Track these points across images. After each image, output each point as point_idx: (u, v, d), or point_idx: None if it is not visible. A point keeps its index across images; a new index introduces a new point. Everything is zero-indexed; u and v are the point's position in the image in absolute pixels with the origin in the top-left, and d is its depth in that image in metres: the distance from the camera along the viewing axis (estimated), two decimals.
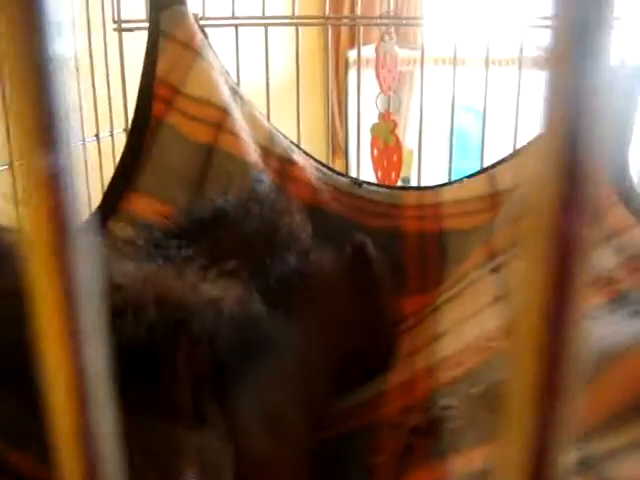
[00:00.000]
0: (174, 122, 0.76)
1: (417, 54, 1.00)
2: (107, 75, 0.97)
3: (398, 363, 0.59)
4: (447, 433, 0.45)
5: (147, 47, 0.80)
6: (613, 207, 0.54)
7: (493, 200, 0.78)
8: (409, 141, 1.97)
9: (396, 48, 0.91)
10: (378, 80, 0.93)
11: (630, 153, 0.58)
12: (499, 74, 1.10)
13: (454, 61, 0.91)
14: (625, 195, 0.54)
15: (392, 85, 0.94)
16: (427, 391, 0.51)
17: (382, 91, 0.95)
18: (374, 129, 1.01)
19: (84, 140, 0.93)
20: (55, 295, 0.14)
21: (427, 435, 0.46)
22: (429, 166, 1.04)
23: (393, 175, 1.05)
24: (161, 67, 0.78)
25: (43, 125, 0.13)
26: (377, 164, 1.05)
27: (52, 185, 0.13)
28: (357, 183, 0.83)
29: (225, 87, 0.80)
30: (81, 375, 0.14)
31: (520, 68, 0.90)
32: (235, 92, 0.82)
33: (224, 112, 0.78)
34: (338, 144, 2.17)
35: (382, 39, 0.91)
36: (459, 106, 0.93)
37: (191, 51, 0.79)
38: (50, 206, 0.13)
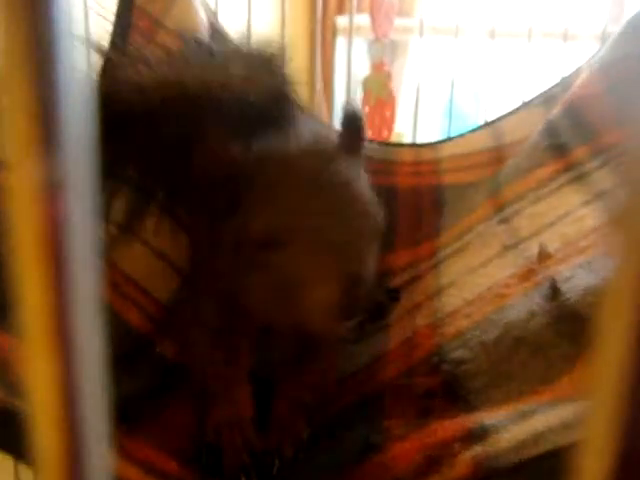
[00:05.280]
0: None
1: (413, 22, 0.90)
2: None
3: (396, 321, 0.56)
4: (468, 392, 0.43)
5: None
6: None
7: (498, 153, 0.73)
8: (399, 124, 1.82)
9: None
10: (373, 24, 0.83)
11: None
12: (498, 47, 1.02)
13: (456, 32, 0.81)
14: None
15: (388, 31, 0.84)
16: (430, 348, 0.49)
17: (377, 37, 0.85)
18: (366, 82, 0.91)
19: None
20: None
21: (445, 397, 0.44)
22: None
23: (385, 133, 0.96)
24: None
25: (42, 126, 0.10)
26: (368, 122, 0.96)
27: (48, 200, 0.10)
28: None
29: (207, 22, 0.73)
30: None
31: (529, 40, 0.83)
32: (215, 28, 0.75)
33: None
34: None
35: None
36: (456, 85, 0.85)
37: None
38: (42, 227, 0.11)
